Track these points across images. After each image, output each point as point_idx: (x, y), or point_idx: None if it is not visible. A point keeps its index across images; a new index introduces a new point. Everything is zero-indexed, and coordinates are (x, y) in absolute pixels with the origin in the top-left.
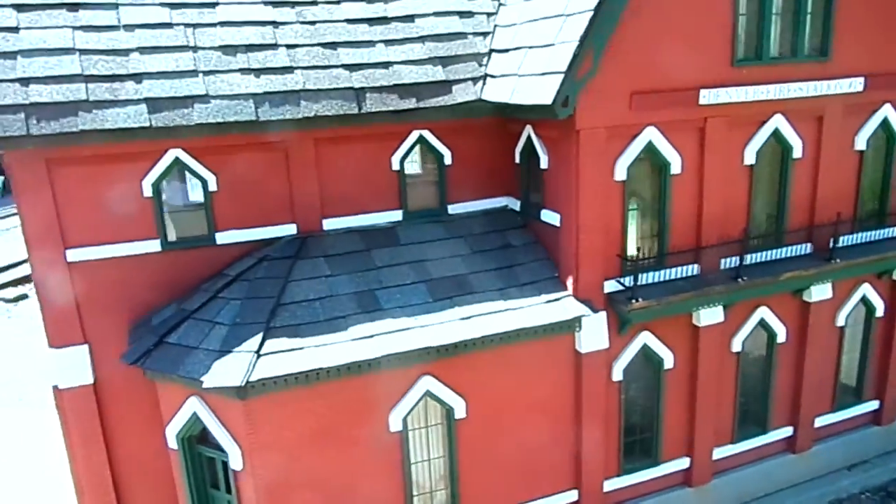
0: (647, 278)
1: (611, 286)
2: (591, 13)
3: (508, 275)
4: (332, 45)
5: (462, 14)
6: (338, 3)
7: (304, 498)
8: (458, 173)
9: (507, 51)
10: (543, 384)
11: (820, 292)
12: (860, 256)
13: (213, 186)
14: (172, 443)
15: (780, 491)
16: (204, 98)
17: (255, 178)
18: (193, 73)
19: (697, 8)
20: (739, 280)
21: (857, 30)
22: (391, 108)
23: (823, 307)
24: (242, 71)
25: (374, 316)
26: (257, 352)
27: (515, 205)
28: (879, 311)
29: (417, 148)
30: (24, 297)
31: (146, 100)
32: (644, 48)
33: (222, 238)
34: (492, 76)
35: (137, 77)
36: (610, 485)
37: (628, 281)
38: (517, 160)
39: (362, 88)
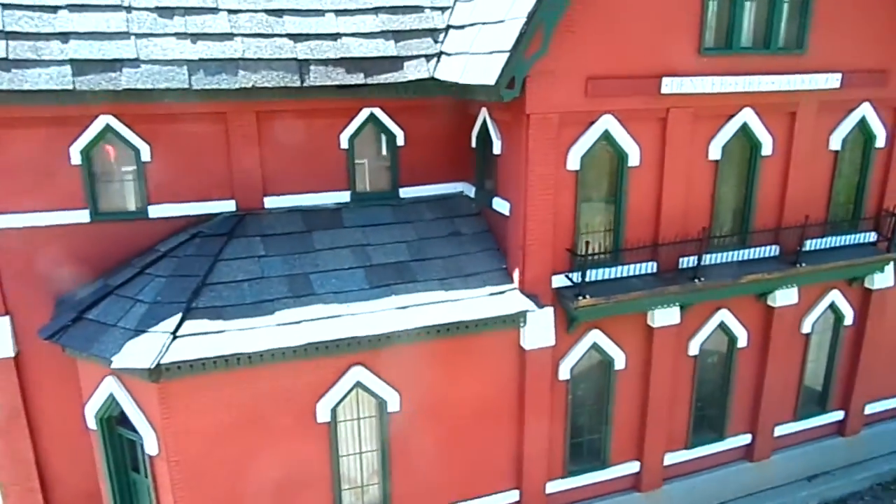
0: (599, 274)
1: (560, 281)
2: None
3: (454, 264)
4: (278, 13)
5: None
6: None
7: (223, 487)
8: (411, 155)
9: (463, 27)
10: (485, 380)
11: (785, 297)
12: (829, 261)
13: (146, 156)
14: (91, 423)
15: (736, 500)
16: (134, 62)
17: (193, 150)
18: (125, 34)
19: None
20: (696, 281)
21: (836, 23)
22: (336, 83)
23: (788, 312)
24: (178, 35)
25: (305, 301)
26: (173, 333)
27: (471, 191)
28: (848, 320)
29: (368, 126)
30: None
31: (71, 61)
32: (602, 30)
33: (155, 211)
34: (446, 54)
35: (64, 36)
36: (553, 486)
37: (577, 277)
38: (473, 144)
39: (306, 60)
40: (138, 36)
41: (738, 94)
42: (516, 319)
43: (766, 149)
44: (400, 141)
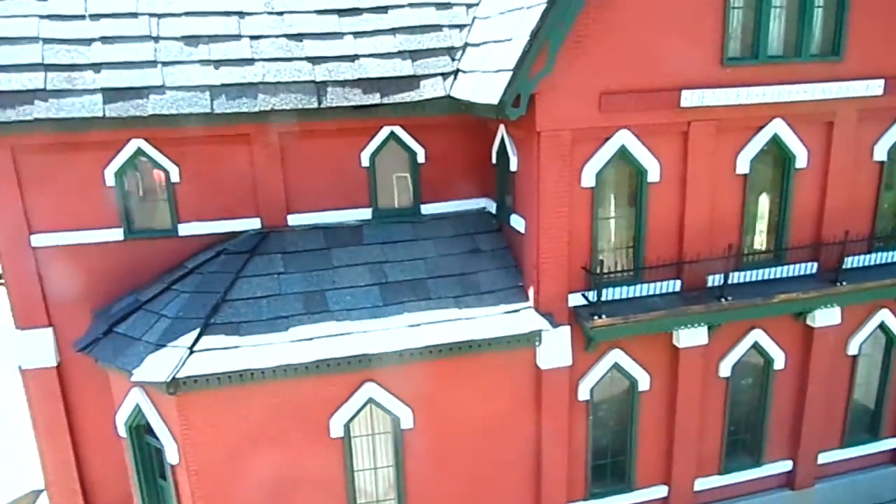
0: (618, 293)
1: (577, 299)
2: (545, 5)
3: (470, 281)
4: (298, 37)
5: (439, 5)
6: None
7: (241, 498)
8: (432, 172)
9: (479, 45)
10: (501, 399)
11: (826, 317)
12: (873, 279)
13: (175, 177)
14: (122, 431)
15: None
16: (160, 89)
17: (220, 170)
18: (153, 63)
19: (677, 2)
20: (722, 300)
21: (876, 25)
22: (352, 104)
23: (830, 333)
24: (202, 62)
25: (319, 318)
26: (190, 348)
27: (493, 207)
28: None
29: (389, 144)
30: None
31: (103, 90)
32: (615, 43)
33: (185, 230)
34: (463, 72)
35: (97, 67)
36: None
37: (593, 295)
38: (494, 160)
39: (324, 82)
40: (165, 64)
41: (766, 104)
42: (531, 338)
43: (801, 161)
44: (421, 158)
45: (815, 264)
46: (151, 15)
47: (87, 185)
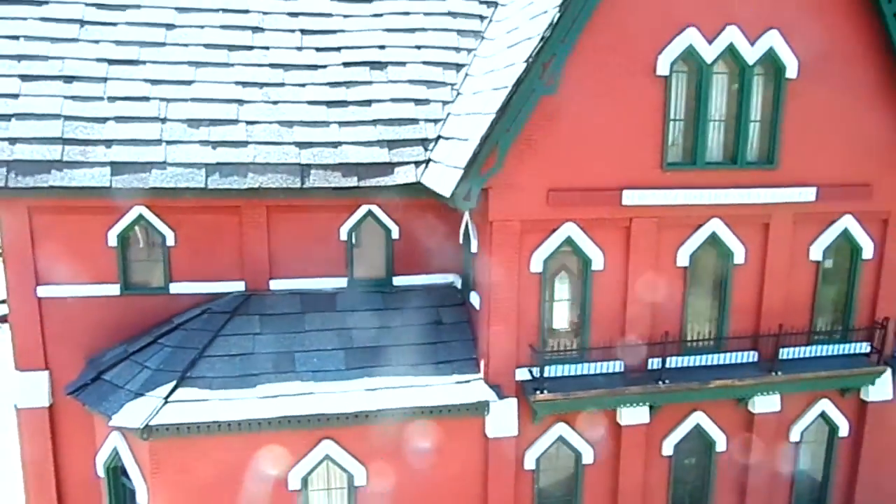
0: (565, 370)
1: (524, 374)
2: (494, 116)
3: (429, 351)
4: (289, 124)
5: (418, 101)
6: (303, 86)
7: None
8: (404, 248)
9: (448, 139)
10: (451, 464)
11: (765, 404)
12: (811, 370)
13: (171, 241)
14: (101, 471)
15: None
16: (162, 164)
17: (211, 236)
18: (157, 141)
19: (620, 114)
20: (660, 383)
21: (810, 138)
22: (332, 185)
23: (771, 419)
24: (202, 142)
25: (286, 377)
26: (166, 398)
27: (459, 283)
28: (843, 431)
29: (366, 221)
30: None
31: (112, 163)
32: (562, 146)
33: (176, 288)
34: (434, 161)
35: (108, 143)
36: None
37: (538, 372)
38: (461, 240)
39: (308, 165)
40: (168, 143)
41: (704, 206)
42: (479, 408)
43: (739, 258)
44: (395, 234)
45: (756, 353)
46: (161, 99)
47: (92, 244)
